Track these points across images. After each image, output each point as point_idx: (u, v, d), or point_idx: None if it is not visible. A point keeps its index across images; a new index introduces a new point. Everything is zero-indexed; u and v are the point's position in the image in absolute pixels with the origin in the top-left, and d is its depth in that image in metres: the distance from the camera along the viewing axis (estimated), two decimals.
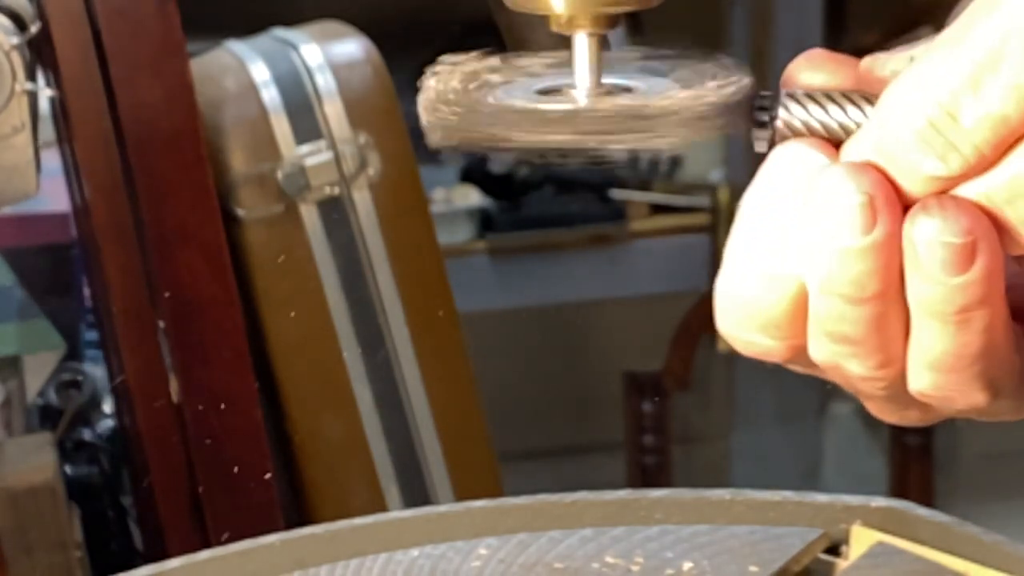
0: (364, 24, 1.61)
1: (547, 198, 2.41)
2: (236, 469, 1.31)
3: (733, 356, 2.52)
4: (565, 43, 0.56)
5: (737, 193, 2.47)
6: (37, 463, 1.25)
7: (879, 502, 0.62)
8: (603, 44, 0.56)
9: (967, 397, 0.54)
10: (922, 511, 0.61)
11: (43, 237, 1.60)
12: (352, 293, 1.52)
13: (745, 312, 0.55)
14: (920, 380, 0.53)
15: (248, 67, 1.52)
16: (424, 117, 0.55)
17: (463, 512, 0.63)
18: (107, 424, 1.53)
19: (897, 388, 0.54)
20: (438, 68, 0.56)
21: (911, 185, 0.51)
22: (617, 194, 2.44)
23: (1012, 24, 0.49)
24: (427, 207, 1.60)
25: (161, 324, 1.29)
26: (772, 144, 0.54)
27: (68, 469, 1.44)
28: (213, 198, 1.30)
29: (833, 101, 0.54)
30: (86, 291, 1.62)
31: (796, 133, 0.54)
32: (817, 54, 0.56)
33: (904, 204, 0.51)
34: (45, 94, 1.24)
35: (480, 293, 2.32)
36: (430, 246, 1.57)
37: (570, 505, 0.64)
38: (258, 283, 1.48)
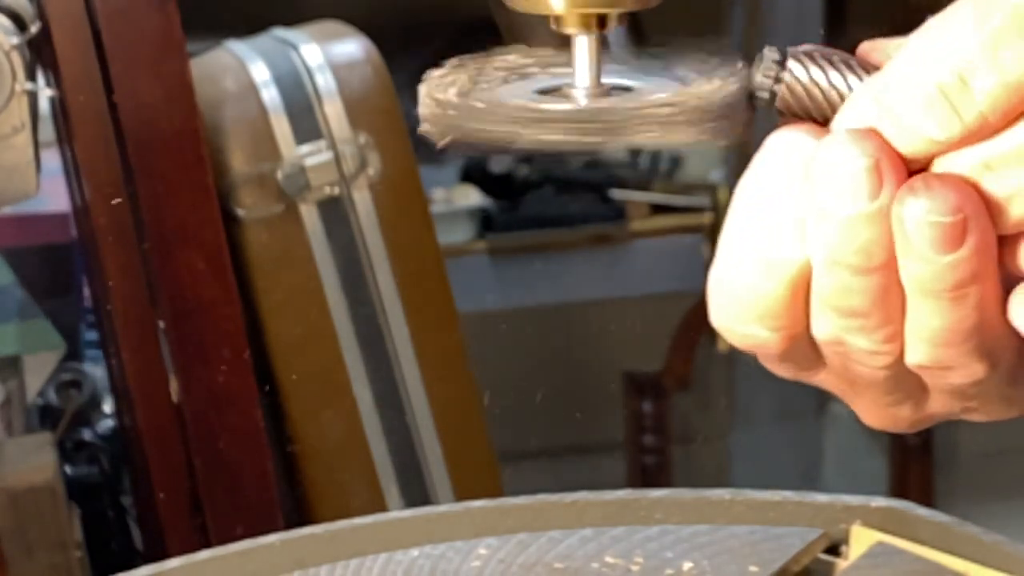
0: (364, 24, 1.61)
1: (547, 198, 2.41)
2: (236, 469, 1.31)
3: (733, 356, 2.52)
4: (565, 43, 0.56)
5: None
6: (37, 463, 1.25)
7: (879, 502, 0.62)
8: (603, 44, 0.56)
9: (966, 369, 0.53)
10: (922, 511, 0.61)
11: (43, 237, 1.60)
12: (352, 293, 1.52)
13: (741, 301, 0.54)
14: (918, 353, 0.53)
15: (248, 67, 1.52)
16: (424, 117, 0.55)
17: (463, 512, 0.63)
18: (107, 424, 1.53)
19: (900, 366, 0.54)
20: (438, 68, 0.56)
21: (909, 147, 0.51)
22: (617, 194, 2.44)
23: None
24: (427, 207, 1.60)
25: (161, 324, 1.29)
26: (773, 104, 0.54)
27: (68, 469, 1.44)
28: (213, 198, 1.30)
29: (833, 66, 0.53)
30: (86, 291, 1.63)
31: (796, 95, 0.54)
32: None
33: (908, 170, 0.51)
34: (45, 94, 1.24)
35: (480, 293, 2.32)
36: (430, 246, 1.57)
37: (570, 505, 0.64)
38: (258, 283, 1.48)
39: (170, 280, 1.28)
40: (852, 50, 0.55)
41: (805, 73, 0.53)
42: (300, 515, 1.50)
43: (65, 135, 1.43)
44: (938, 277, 0.51)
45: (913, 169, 0.51)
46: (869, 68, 0.53)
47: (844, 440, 2.54)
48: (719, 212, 2.44)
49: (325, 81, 1.52)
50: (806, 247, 0.53)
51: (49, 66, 1.29)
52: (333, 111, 1.51)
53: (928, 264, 0.50)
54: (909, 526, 0.60)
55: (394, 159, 1.53)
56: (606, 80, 0.56)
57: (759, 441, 2.57)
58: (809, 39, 0.53)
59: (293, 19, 1.63)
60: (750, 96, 0.54)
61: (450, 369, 1.56)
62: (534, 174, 2.39)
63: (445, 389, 1.55)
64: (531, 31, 0.59)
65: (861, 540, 0.61)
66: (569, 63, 0.56)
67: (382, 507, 1.52)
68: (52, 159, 1.48)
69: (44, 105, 1.33)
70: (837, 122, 0.53)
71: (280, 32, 1.60)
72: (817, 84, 0.53)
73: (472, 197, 2.40)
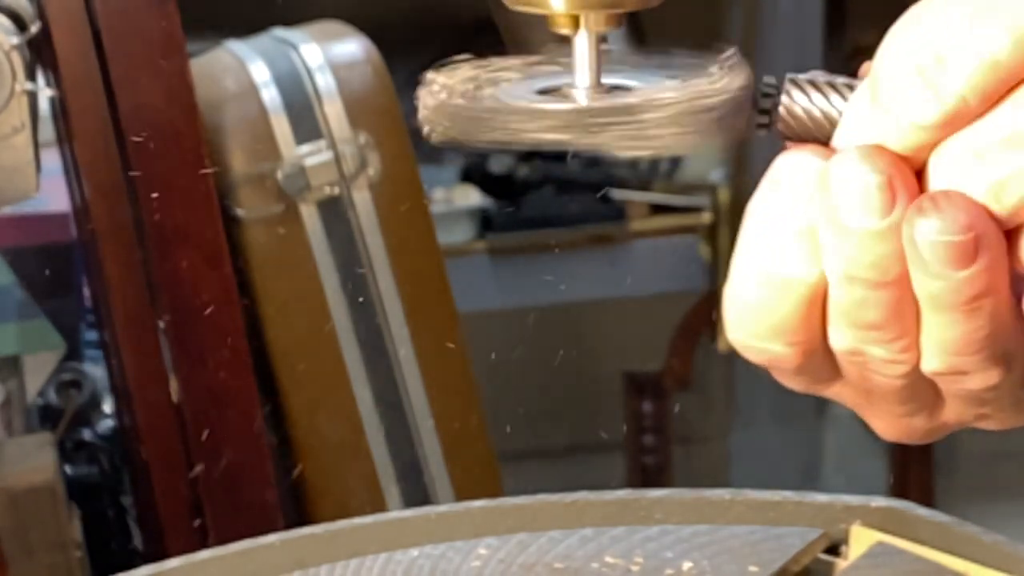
0: (364, 24, 1.61)
1: (547, 198, 2.40)
2: (236, 469, 1.31)
3: (733, 356, 2.52)
4: (565, 43, 0.56)
5: (737, 193, 2.48)
6: (37, 463, 1.25)
7: (879, 502, 0.62)
8: (603, 44, 0.56)
9: (981, 374, 0.54)
10: (922, 511, 0.61)
11: (43, 237, 1.60)
12: (352, 293, 1.52)
13: (756, 319, 0.54)
14: (934, 362, 0.53)
15: (248, 67, 1.52)
16: (424, 117, 0.55)
17: (463, 512, 0.64)
18: (107, 424, 1.53)
19: (916, 375, 0.54)
20: (438, 68, 0.56)
21: (900, 138, 0.51)
22: (617, 194, 2.44)
23: None
24: (427, 207, 1.60)
25: (161, 324, 1.29)
26: (773, 129, 0.54)
27: (68, 469, 1.44)
28: (213, 198, 1.30)
29: (835, 89, 0.54)
30: (86, 291, 1.62)
31: (797, 119, 0.54)
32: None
33: (919, 185, 0.51)
34: (45, 94, 1.24)
35: (480, 293, 2.32)
36: (430, 246, 1.57)
37: (570, 505, 0.64)
38: (258, 283, 1.48)
39: (170, 280, 1.28)
40: (851, 54, 0.55)
41: (804, 98, 0.54)
42: (300, 515, 1.50)
43: (65, 135, 1.43)
44: (952, 292, 0.51)
45: (915, 168, 0.51)
46: None
47: (844, 440, 2.54)
48: (719, 212, 2.44)
49: (325, 81, 1.52)
50: (817, 265, 0.53)
51: (49, 66, 1.29)
52: (333, 111, 1.51)
53: (941, 280, 0.51)
54: (909, 526, 0.60)
55: (394, 159, 1.53)
56: (606, 80, 0.56)
57: (759, 441, 2.57)
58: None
59: (293, 19, 1.63)
60: (752, 123, 0.54)
61: (450, 369, 1.56)
62: (534, 174, 2.39)
63: (445, 389, 1.55)
64: (531, 31, 0.59)
65: (861, 540, 0.61)
66: (569, 63, 0.56)
67: (382, 507, 1.52)
68: (52, 159, 1.48)
69: (44, 105, 1.33)
70: (839, 131, 0.53)
71: (280, 32, 1.60)
72: (817, 107, 0.54)
73: (472, 197, 2.40)
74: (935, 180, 0.51)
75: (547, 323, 2.58)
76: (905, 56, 0.50)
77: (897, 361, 0.54)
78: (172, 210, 1.28)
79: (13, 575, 1.21)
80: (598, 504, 0.63)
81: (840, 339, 0.54)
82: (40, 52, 1.25)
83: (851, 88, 0.54)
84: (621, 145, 0.53)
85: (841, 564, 0.61)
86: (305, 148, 1.49)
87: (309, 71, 1.52)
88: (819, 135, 0.54)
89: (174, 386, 1.30)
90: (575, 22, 0.55)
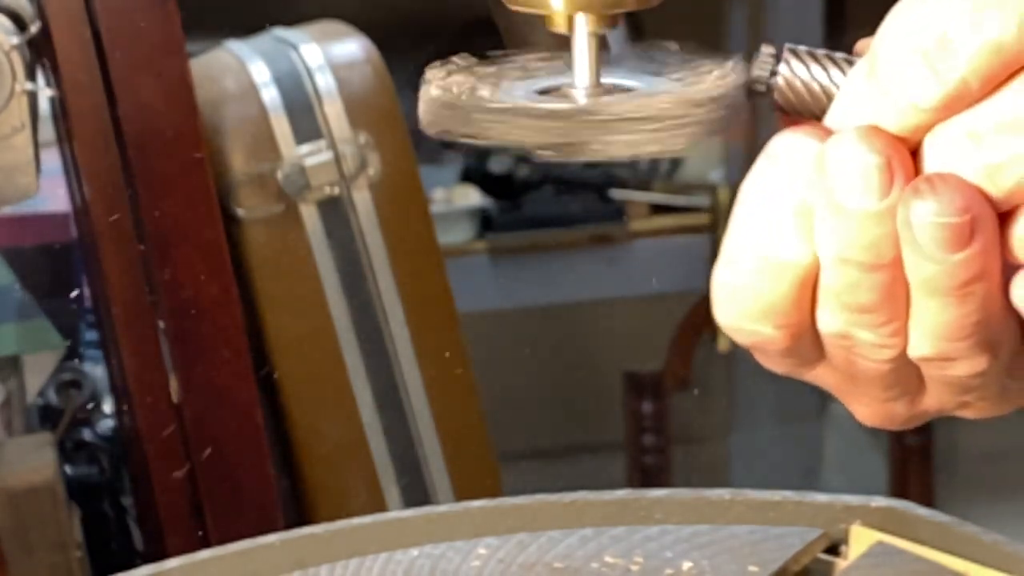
0: (364, 24, 1.61)
1: (547, 198, 2.41)
2: (236, 469, 1.31)
3: (733, 356, 2.52)
4: (565, 43, 0.56)
5: (737, 193, 2.48)
6: (37, 463, 1.25)
7: (879, 502, 0.62)
8: (603, 44, 0.56)
9: (969, 360, 0.54)
10: (922, 511, 0.61)
11: (43, 237, 1.60)
12: (352, 293, 1.52)
13: (746, 301, 0.54)
14: (922, 347, 0.53)
15: (248, 67, 1.52)
16: (424, 117, 0.55)
17: (463, 512, 0.64)
18: (107, 424, 1.53)
19: (902, 360, 0.54)
20: (438, 68, 0.56)
21: (897, 118, 0.51)
22: (617, 194, 2.44)
23: None
24: (427, 207, 1.60)
25: (161, 324, 1.29)
26: (768, 98, 0.54)
27: (68, 469, 1.44)
28: (213, 198, 1.30)
29: (835, 63, 0.54)
30: (86, 291, 1.62)
31: (795, 91, 0.54)
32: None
33: (916, 166, 0.51)
34: (45, 94, 1.24)
35: (480, 293, 2.32)
36: (430, 246, 1.57)
37: (570, 505, 0.64)
38: (258, 283, 1.48)
39: (170, 280, 1.28)
40: (850, 50, 0.55)
41: (804, 69, 0.54)
42: (300, 515, 1.50)
43: (65, 135, 1.43)
44: (946, 276, 0.51)
45: (911, 148, 0.51)
46: None
47: (844, 440, 2.55)
48: (719, 212, 2.44)
49: (325, 81, 1.52)
50: (811, 247, 0.53)
51: (49, 66, 1.29)
52: (333, 111, 1.51)
53: (935, 263, 0.51)
54: (909, 526, 0.60)
55: (394, 159, 1.53)
56: (606, 80, 0.56)
57: (759, 441, 2.57)
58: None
59: (293, 19, 1.63)
60: (748, 91, 0.54)
61: (450, 369, 1.56)
62: (534, 174, 2.39)
63: (445, 389, 1.55)
64: (531, 31, 0.59)
65: (861, 540, 0.61)
66: (569, 63, 0.56)
67: (382, 507, 1.52)
68: (52, 159, 1.48)
69: (44, 105, 1.33)
70: (834, 107, 0.53)
71: (280, 32, 1.60)
72: (815, 79, 0.53)
73: (472, 197, 2.40)
74: (930, 162, 0.51)
75: (547, 323, 2.58)
76: (907, 37, 0.50)
77: (885, 345, 0.54)
78: (172, 210, 1.28)
79: (13, 575, 1.21)
80: (598, 504, 0.63)
81: (829, 321, 0.54)
82: (40, 52, 1.25)
83: (850, 64, 0.53)
84: (620, 145, 0.53)
85: (841, 564, 0.61)
86: (305, 148, 1.49)
87: (309, 71, 1.52)
88: (815, 109, 0.54)
89: (174, 386, 1.30)
90: (574, 22, 0.55)
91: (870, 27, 0.52)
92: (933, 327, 0.52)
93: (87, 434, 1.51)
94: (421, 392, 1.54)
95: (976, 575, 0.58)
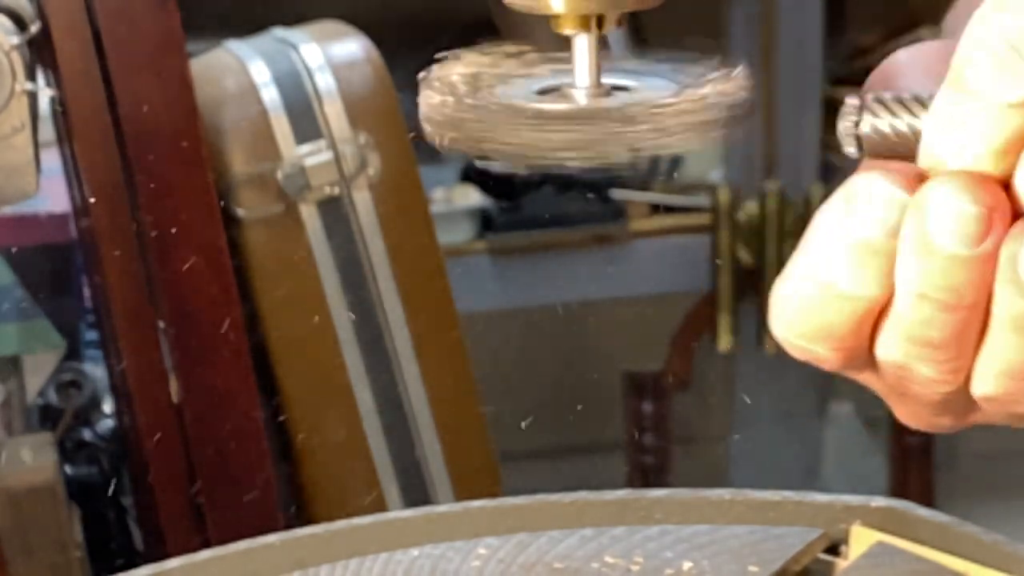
0: (364, 24, 1.61)
1: (547, 198, 2.41)
2: (236, 469, 1.31)
3: (733, 356, 2.52)
4: (565, 43, 0.56)
5: (737, 193, 2.48)
6: (37, 463, 1.25)
7: (879, 502, 0.62)
8: (603, 44, 0.56)
9: None
10: (922, 511, 0.61)
11: (43, 237, 1.60)
12: (352, 293, 1.52)
13: (804, 322, 0.55)
14: (987, 385, 0.54)
15: (248, 67, 1.52)
16: (424, 117, 0.55)
17: (463, 512, 0.64)
18: (107, 424, 1.53)
19: (958, 393, 0.55)
20: (438, 68, 0.56)
21: (989, 122, 0.50)
22: (617, 194, 2.44)
23: None
24: (427, 207, 1.60)
25: (161, 324, 1.29)
26: (860, 149, 0.54)
27: (68, 469, 1.44)
28: (213, 198, 1.30)
29: (919, 103, 0.53)
30: (86, 291, 1.62)
31: (885, 138, 0.53)
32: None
33: (1015, 211, 0.50)
34: (45, 94, 1.24)
35: (480, 293, 2.32)
36: (430, 246, 1.57)
37: (570, 505, 0.64)
38: (258, 283, 1.48)
39: (170, 280, 1.28)
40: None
41: (887, 113, 0.53)
42: (300, 515, 1.50)
43: (65, 135, 1.43)
44: None
45: (1004, 181, 0.50)
46: None
47: (844, 440, 2.54)
48: (719, 212, 2.44)
49: (325, 81, 1.52)
50: (878, 284, 0.53)
51: (49, 66, 1.29)
52: (333, 111, 1.51)
53: None
54: (909, 526, 0.60)
55: (394, 159, 1.53)
56: (606, 80, 0.56)
57: (759, 441, 2.57)
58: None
59: (293, 19, 1.63)
60: (838, 146, 0.54)
61: (450, 369, 1.56)
62: (534, 174, 2.39)
63: (445, 389, 1.55)
64: (531, 31, 0.59)
65: (861, 540, 0.61)
66: (569, 63, 0.56)
67: (382, 507, 1.52)
68: (52, 159, 1.48)
69: (44, 105, 1.33)
70: (924, 138, 0.52)
71: (280, 32, 1.60)
72: (904, 122, 0.53)
73: (472, 197, 2.40)
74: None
75: (547, 323, 2.58)
76: (996, 36, 0.49)
77: (944, 381, 0.54)
78: (172, 210, 1.28)
79: (13, 575, 1.21)
80: (598, 504, 0.63)
81: (891, 351, 0.54)
82: (40, 52, 1.25)
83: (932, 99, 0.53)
84: (620, 146, 0.53)
85: (841, 564, 0.61)
86: (305, 148, 1.49)
87: (309, 71, 1.52)
88: (905, 151, 0.53)
89: (174, 386, 1.30)
90: (574, 22, 0.55)
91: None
92: (1005, 365, 0.53)
93: (87, 434, 1.51)
94: (421, 392, 1.54)
95: (976, 575, 0.58)
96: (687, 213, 2.49)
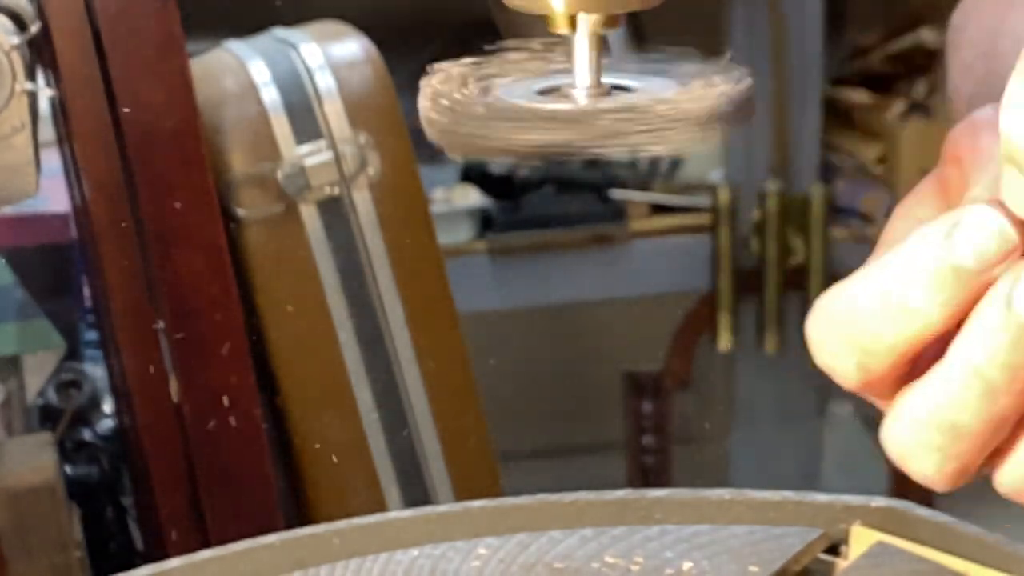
0: (364, 24, 1.61)
1: (547, 198, 2.41)
2: (236, 469, 1.31)
3: (733, 356, 2.52)
4: (565, 43, 0.56)
5: (737, 193, 2.48)
6: (37, 463, 1.25)
7: (879, 502, 0.62)
8: (603, 44, 0.56)
9: None
10: (922, 511, 0.61)
11: (43, 237, 1.60)
12: (352, 293, 1.52)
13: (853, 329, 0.52)
14: (1016, 483, 0.53)
15: (248, 67, 1.52)
16: (424, 118, 0.55)
17: (463, 512, 0.63)
18: (107, 424, 1.53)
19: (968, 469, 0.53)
20: (438, 68, 0.56)
21: None
22: (617, 194, 2.44)
23: None
24: (427, 207, 1.60)
25: (161, 324, 1.29)
26: None
27: (68, 469, 1.44)
28: (213, 198, 1.30)
29: None
30: (86, 291, 1.62)
31: None
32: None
33: None
34: (45, 94, 1.24)
35: (480, 293, 2.32)
36: (430, 246, 1.57)
37: (570, 505, 0.64)
38: (258, 283, 1.48)
39: (170, 280, 1.28)
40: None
41: None
42: (300, 515, 1.50)
43: (65, 135, 1.43)
44: None
45: None
46: None
47: (844, 440, 2.54)
48: (719, 212, 2.44)
49: (325, 81, 1.52)
50: (942, 312, 0.51)
51: (49, 66, 1.29)
52: (333, 111, 1.51)
53: None
54: (909, 526, 0.60)
55: (394, 159, 1.53)
56: (606, 80, 0.56)
57: (759, 441, 2.57)
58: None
59: (293, 19, 1.63)
60: None
61: (450, 369, 1.56)
62: (534, 174, 2.39)
63: (445, 389, 1.55)
64: (531, 31, 0.59)
65: (861, 540, 0.61)
66: (569, 63, 0.56)
67: (382, 507, 1.52)
68: (52, 159, 1.48)
69: (44, 105, 1.33)
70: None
71: (280, 32, 1.60)
72: None
73: (472, 197, 2.40)
74: None
75: (547, 323, 2.58)
76: None
77: (956, 473, 0.53)
78: (172, 210, 1.28)
79: (13, 575, 1.21)
80: (598, 504, 0.63)
81: (913, 411, 0.52)
82: (40, 52, 1.25)
83: None
84: (620, 146, 0.53)
85: (841, 564, 0.61)
86: (305, 148, 1.49)
87: (309, 71, 1.52)
88: None
89: (174, 386, 1.30)
90: (574, 22, 0.55)
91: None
92: None
93: (87, 434, 1.51)
94: (421, 392, 1.54)
95: (976, 575, 0.58)
96: (687, 213, 2.49)
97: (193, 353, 1.29)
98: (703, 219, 2.47)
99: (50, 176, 1.31)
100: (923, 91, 2.40)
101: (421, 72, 0.56)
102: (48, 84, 1.29)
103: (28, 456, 1.27)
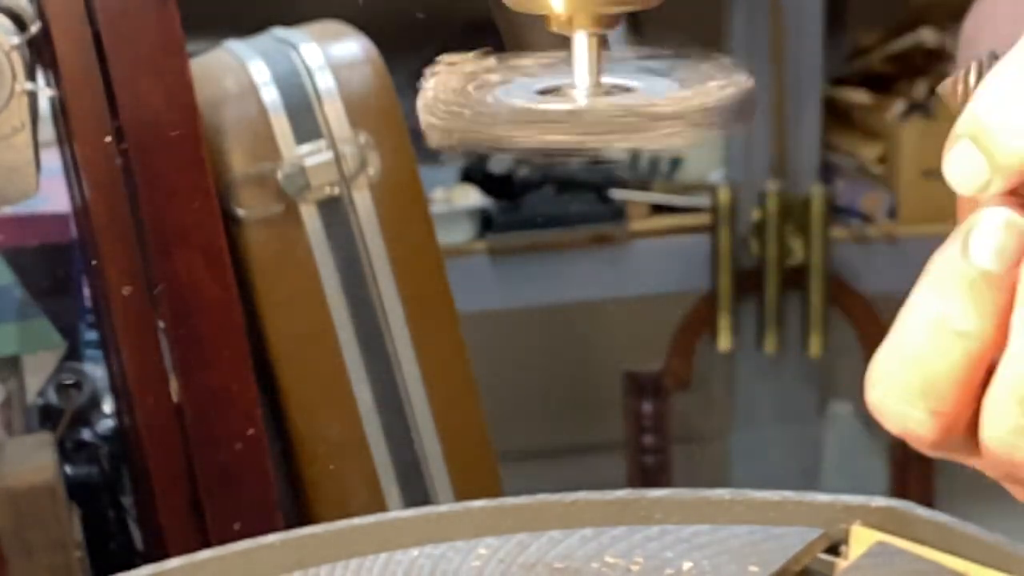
0: (364, 24, 1.61)
1: (547, 198, 2.41)
2: (236, 469, 1.31)
3: (733, 356, 2.52)
4: (565, 43, 0.56)
5: (737, 193, 2.48)
6: (37, 463, 1.25)
7: (879, 502, 0.62)
8: (603, 44, 0.56)
9: None
10: (922, 511, 0.61)
11: (43, 237, 1.60)
12: (352, 293, 1.52)
13: (908, 375, 0.51)
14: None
15: (248, 67, 1.52)
16: (423, 117, 0.55)
17: (463, 512, 0.63)
18: (107, 424, 1.53)
19: None
20: (437, 68, 0.56)
21: None
22: (617, 194, 2.44)
23: None
24: (427, 207, 1.60)
25: (161, 324, 1.29)
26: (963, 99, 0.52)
27: (68, 469, 1.44)
28: (213, 198, 1.30)
29: None
30: (86, 291, 1.63)
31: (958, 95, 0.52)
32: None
33: None
34: (45, 94, 1.24)
35: (480, 293, 2.32)
36: (430, 246, 1.57)
37: (570, 505, 0.64)
38: (258, 283, 1.48)
39: (170, 280, 1.28)
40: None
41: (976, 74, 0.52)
42: (300, 515, 1.50)
43: (65, 135, 1.43)
44: None
45: None
46: None
47: (844, 440, 2.54)
48: (719, 212, 2.44)
49: (325, 81, 1.52)
50: (990, 324, 0.50)
51: (49, 66, 1.29)
52: (333, 111, 1.51)
53: None
54: (909, 526, 0.60)
55: (394, 159, 1.53)
56: (606, 80, 0.56)
57: (759, 441, 2.57)
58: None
59: (293, 19, 1.63)
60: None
61: (450, 369, 1.56)
62: (534, 174, 2.39)
63: (445, 389, 1.55)
64: (531, 31, 0.59)
65: (861, 540, 0.61)
66: (569, 63, 0.56)
67: (382, 507, 1.52)
68: (52, 159, 1.48)
69: (44, 105, 1.33)
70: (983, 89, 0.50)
71: (280, 32, 1.60)
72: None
73: (472, 197, 2.40)
74: None
75: (547, 323, 2.58)
76: None
77: None
78: (172, 210, 1.28)
79: (13, 575, 1.21)
80: (598, 504, 0.63)
81: (999, 423, 0.50)
82: (40, 52, 1.25)
83: None
84: (620, 145, 0.53)
85: (841, 564, 0.61)
86: (305, 148, 1.49)
87: (309, 71, 1.52)
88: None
89: (174, 386, 1.30)
90: (575, 22, 0.55)
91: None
92: None
93: (87, 434, 1.51)
94: (421, 392, 1.54)
95: (976, 575, 0.58)
96: (687, 213, 2.49)
97: (193, 353, 1.29)
98: (703, 219, 2.47)
99: (50, 176, 1.31)
100: (923, 91, 2.40)
101: (421, 72, 0.56)
102: (48, 84, 1.29)
103: (28, 456, 1.27)
